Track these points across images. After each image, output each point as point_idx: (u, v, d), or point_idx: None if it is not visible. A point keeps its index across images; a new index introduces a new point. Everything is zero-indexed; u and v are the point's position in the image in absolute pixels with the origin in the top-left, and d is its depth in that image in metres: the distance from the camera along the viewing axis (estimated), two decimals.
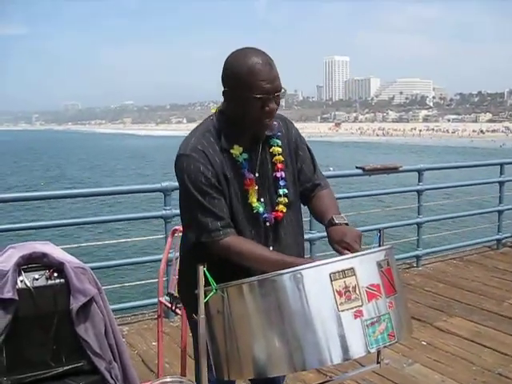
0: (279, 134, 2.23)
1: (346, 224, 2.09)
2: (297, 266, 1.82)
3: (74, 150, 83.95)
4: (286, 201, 2.19)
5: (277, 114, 2.22)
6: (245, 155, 2.11)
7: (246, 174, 2.11)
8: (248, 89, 1.99)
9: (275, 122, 2.21)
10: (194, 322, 2.17)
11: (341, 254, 1.94)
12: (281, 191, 2.18)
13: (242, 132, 2.12)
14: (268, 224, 2.16)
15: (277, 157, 2.19)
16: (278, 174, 2.19)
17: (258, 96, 1.98)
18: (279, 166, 2.19)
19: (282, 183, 2.19)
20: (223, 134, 2.11)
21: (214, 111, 2.20)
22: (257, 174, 2.15)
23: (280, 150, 2.20)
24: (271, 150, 2.20)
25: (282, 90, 2.05)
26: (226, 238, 2.04)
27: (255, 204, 2.12)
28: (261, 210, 2.13)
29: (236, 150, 2.10)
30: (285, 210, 2.19)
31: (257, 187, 2.13)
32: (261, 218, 2.14)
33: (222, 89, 2.10)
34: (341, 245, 1.97)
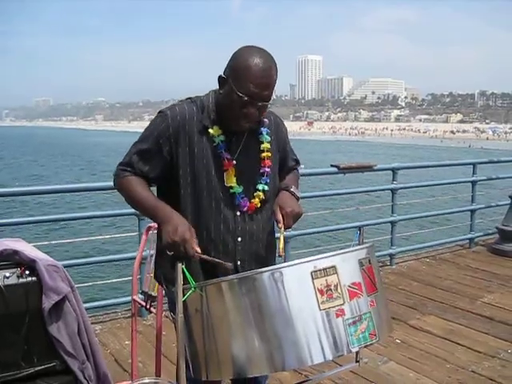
0: (268, 130, 2.21)
1: (297, 198, 2.17)
2: (167, 219, 1.94)
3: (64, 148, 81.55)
4: (263, 197, 2.16)
5: (270, 111, 2.22)
6: (222, 137, 2.08)
7: (224, 155, 2.08)
8: (235, 84, 1.97)
9: (266, 119, 2.20)
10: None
11: (274, 217, 2.07)
12: (260, 186, 2.15)
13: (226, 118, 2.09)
14: (238, 213, 2.12)
15: (265, 153, 2.17)
16: (264, 170, 2.16)
17: (240, 95, 1.96)
18: (267, 161, 2.17)
19: (264, 179, 2.16)
20: (208, 111, 2.09)
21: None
22: (234, 162, 2.10)
23: (269, 146, 2.19)
24: (261, 146, 2.17)
25: (269, 103, 2.04)
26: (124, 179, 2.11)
27: (234, 184, 2.09)
28: (239, 190, 2.09)
29: (214, 131, 2.08)
30: (259, 206, 2.16)
31: (234, 173, 2.11)
32: (235, 202, 2.10)
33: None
34: (281, 211, 2.06)
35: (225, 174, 2.08)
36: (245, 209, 2.12)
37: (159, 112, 2.12)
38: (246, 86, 1.95)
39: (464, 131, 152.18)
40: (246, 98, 1.96)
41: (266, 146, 2.17)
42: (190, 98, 2.17)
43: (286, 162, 2.34)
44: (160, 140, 2.06)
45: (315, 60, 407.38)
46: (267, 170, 2.16)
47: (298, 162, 2.45)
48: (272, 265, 2.04)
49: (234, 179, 2.09)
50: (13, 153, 67.91)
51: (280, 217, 2.04)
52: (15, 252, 2.46)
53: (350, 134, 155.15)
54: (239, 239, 2.12)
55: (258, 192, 2.15)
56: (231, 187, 2.08)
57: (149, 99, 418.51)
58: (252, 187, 2.15)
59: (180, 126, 2.05)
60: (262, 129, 2.18)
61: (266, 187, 2.16)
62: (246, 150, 2.14)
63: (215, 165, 2.07)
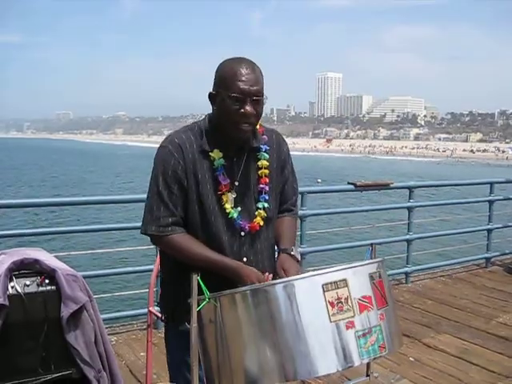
0: (267, 147, 2.23)
1: (298, 261, 2.18)
2: (239, 271, 2.00)
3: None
4: (265, 215, 2.20)
5: (270, 128, 2.28)
6: (222, 161, 2.12)
7: (220, 178, 2.11)
8: (226, 87, 2.04)
9: (265, 136, 2.24)
10: (175, 333, 2.19)
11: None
12: (260, 204, 2.19)
13: (225, 138, 2.13)
14: (243, 234, 2.16)
15: (262, 170, 2.21)
16: (261, 187, 2.20)
17: (234, 95, 2.02)
18: (263, 179, 2.20)
19: (263, 196, 2.20)
20: (206, 136, 2.13)
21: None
22: (236, 183, 2.15)
23: (267, 163, 2.22)
24: (258, 163, 2.21)
25: (264, 97, 2.08)
26: (173, 235, 2.08)
27: (229, 210, 2.12)
28: (235, 215, 2.13)
29: (215, 154, 2.12)
30: (262, 224, 2.19)
31: (235, 195, 2.14)
32: (235, 225, 2.14)
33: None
34: (285, 273, 2.07)
35: (223, 198, 2.12)
36: (246, 230, 2.16)
37: (159, 148, 2.14)
38: (235, 86, 2.02)
39: (484, 150, 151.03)
40: (239, 96, 2.02)
41: (263, 163, 2.20)
42: (186, 126, 2.21)
43: (284, 190, 2.32)
44: (178, 176, 2.08)
45: (335, 77, 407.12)
46: (264, 187, 2.20)
47: (296, 197, 2.42)
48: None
49: (230, 203, 2.13)
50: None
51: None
52: (36, 261, 2.52)
53: (369, 153, 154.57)
54: (244, 259, 2.15)
55: (259, 210, 2.19)
56: (227, 213, 2.12)
57: (168, 114, 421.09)
58: (253, 207, 2.19)
59: (185, 155, 2.09)
60: (261, 146, 2.21)
61: (266, 204, 2.20)
62: (246, 170, 2.18)
63: (215, 189, 2.12)
